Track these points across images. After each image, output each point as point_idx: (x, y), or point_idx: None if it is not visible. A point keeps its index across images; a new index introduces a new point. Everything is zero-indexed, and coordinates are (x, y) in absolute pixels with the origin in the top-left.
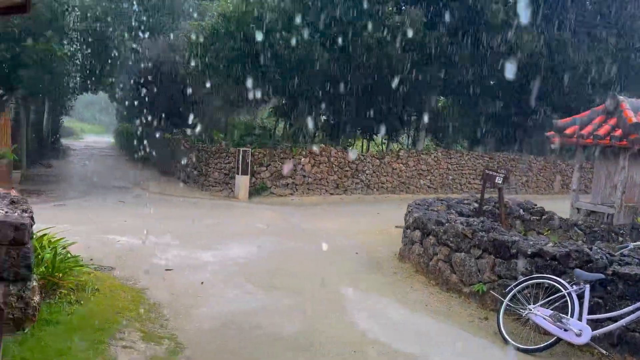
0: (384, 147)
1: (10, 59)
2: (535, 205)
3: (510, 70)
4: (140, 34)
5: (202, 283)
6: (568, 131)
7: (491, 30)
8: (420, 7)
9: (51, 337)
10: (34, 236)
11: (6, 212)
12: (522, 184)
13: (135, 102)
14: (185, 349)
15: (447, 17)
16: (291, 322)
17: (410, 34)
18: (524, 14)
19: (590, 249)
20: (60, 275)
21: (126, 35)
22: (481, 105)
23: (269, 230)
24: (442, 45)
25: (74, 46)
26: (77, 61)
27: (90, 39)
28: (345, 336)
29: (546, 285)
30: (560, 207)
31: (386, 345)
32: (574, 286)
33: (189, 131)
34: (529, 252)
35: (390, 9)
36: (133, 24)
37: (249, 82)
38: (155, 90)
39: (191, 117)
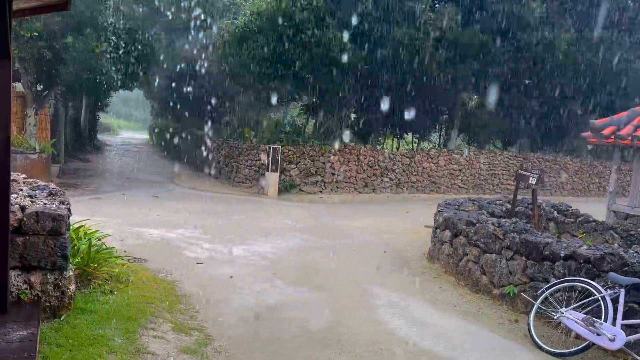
0: (415, 145)
1: (51, 56)
2: (570, 207)
3: (545, 69)
4: (175, 32)
5: (231, 277)
6: (605, 132)
7: (527, 28)
8: (454, 4)
9: (85, 325)
10: (71, 227)
11: (45, 204)
12: (557, 185)
13: (169, 99)
14: (214, 340)
15: (481, 14)
16: (318, 318)
17: (443, 31)
18: (560, 11)
19: (626, 252)
20: (95, 265)
21: (162, 33)
22: (516, 104)
23: (297, 227)
24: (476, 42)
25: (111, 44)
26: (114, 58)
27: (126, 37)
28: (371, 333)
29: (579, 288)
30: (596, 209)
31: (413, 344)
32: (608, 290)
33: (220, 128)
34: (562, 255)
35: (424, 6)
36: (168, 22)
37: (280, 80)
38: (188, 87)
39: (223, 114)
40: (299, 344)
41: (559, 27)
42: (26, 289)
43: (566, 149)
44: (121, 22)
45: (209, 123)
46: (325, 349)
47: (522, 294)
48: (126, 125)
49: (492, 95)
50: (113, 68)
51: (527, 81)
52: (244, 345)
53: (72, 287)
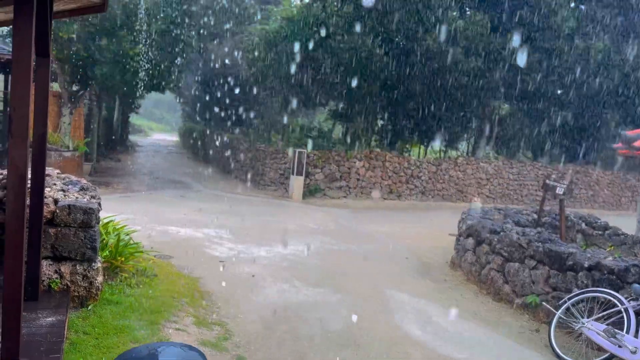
0: (442, 153)
1: (87, 57)
2: (599, 219)
3: (578, 79)
4: (207, 36)
5: (253, 276)
6: (638, 143)
7: (559, 36)
8: (485, 11)
9: (111, 315)
10: (101, 222)
11: (77, 197)
12: (588, 198)
13: (199, 102)
14: (233, 336)
15: (513, 22)
16: (337, 319)
17: (473, 38)
18: (594, 21)
19: None
20: (122, 259)
21: (194, 37)
22: (547, 114)
23: (320, 231)
24: (507, 50)
25: (145, 46)
26: (147, 61)
27: (159, 40)
28: (390, 336)
29: (602, 299)
30: (626, 223)
31: (431, 349)
32: (632, 302)
33: (248, 131)
34: (586, 265)
35: (454, 13)
36: (201, 26)
37: (308, 85)
38: (218, 91)
39: (251, 118)
40: (317, 343)
41: (592, 37)
42: (57, 278)
43: (598, 161)
44: (154, 25)
45: (237, 126)
46: (342, 350)
47: (544, 303)
48: (157, 127)
49: (523, 105)
50: (145, 70)
51: (559, 91)
52: (263, 341)
53: (100, 279)
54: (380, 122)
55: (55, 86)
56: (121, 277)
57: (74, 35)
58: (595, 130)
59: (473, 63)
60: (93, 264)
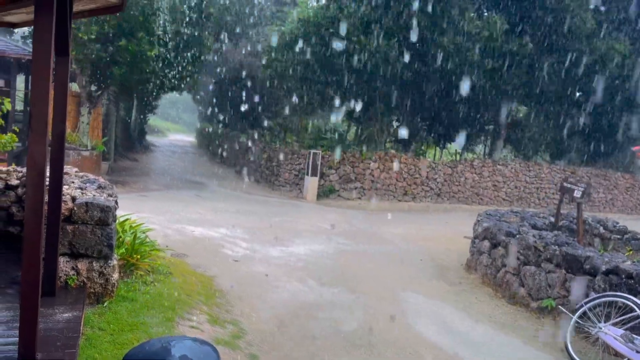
0: (458, 155)
1: (105, 58)
2: (617, 223)
3: (597, 81)
4: (224, 37)
5: (266, 275)
6: None
7: (578, 38)
8: (502, 13)
9: (126, 312)
10: (117, 220)
11: (94, 195)
12: (606, 201)
13: (215, 103)
14: (247, 334)
15: (530, 24)
16: (350, 319)
17: (490, 40)
18: (614, 23)
19: None
20: (138, 257)
21: (210, 38)
22: (565, 116)
23: (334, 231)
24: (524, 52)
25: (163, 47)
26: (165, 62)
27: (177, 41)
28: (403, 338)
29: (619, 304)
30: None
31: (444, 351)
32: None
33: (263, 132)
34: (604, 269)
35: (471, 14)
36: (218, 28)
37: (324, 87)
38: (234, 91)
39: (266, 118)
40: (330, 343)
41: (612, 39)
42: (73, 275)
43: (618, 165)
44: (172, 26)
45: (253, 127)
46: (355, 350)
47: (560, 307)
48: (174, 127)
49: (541, 107)
50: (163, 70)
51: (578, 93)
52: (276, 340)
53: (116, 276)
54: (395, 124)
55: (74, 86)
56: (137, 274)
57: (93, 36)
58: (614, 133)
59: (489, 64)
60: (109, 261)
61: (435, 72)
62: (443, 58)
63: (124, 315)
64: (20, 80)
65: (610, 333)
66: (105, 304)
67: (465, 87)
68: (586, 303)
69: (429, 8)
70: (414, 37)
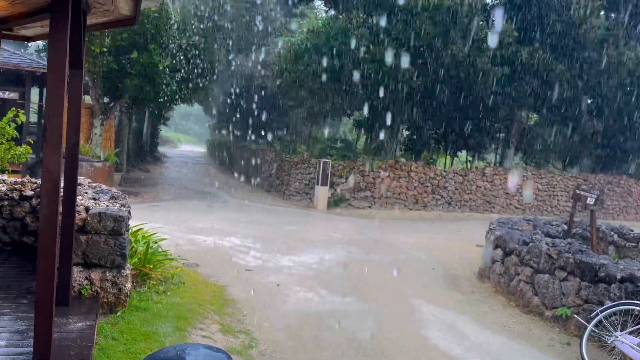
0: (469, 164)
1: (118, 70)
2: (632, 230)
3: (609, 87)
4: (234, 49)
5: (278, 285)
6: None
7: (589, 45)
8: (512, 20)
9: (139, 322)
10: (130, 230)
11: (107, 206)
12: (620, 209)
13: (226, 114)
14: (259, 344)
15: (540, 31)
16: (362, 328)
17: (500, 48)
18: (626, 29)
19: None
20: (151, 267)
21: (221, 50)
22: (577, 123)
23: (345, 240)
24: (535, 60)
25: (174, 59)
26: (176, 73)
27: (188, 53)
28: (417, 347)
29: (636, 312)
30: None
31: None
32: None
33: (273, 142)
34: (619, 277)
35: (481, 22)
36: (228, 40)
37: (333, 96)
38: (244, 102)
39: (277, 128)
40: (342, 352)
41: (624, 45)
42: (87, 284)
43: (631, 172)
44: (184, 38)
45: (263, 137)
46: (369, 359)
47: (575, 315)
48: (185, 138)
49: (552, 114)
50: (174, 82)
51: (589, 100)
52: (288, 349)
53: (129, 286)
54: (405, 132)
55: (87, 99)
56: (149, 284)
57: (106, 49)
58: (627, 140)
59: (500, 72)
60: (122, 271)
61: (445, 80)
62: (453, 66)
63: (136, 324)
64: (34, 93)
65: (627, 342)
66: (119, 313)
67: (475, 95)
68: (602, 311)
69: (438, 17)
70: (423, 45)
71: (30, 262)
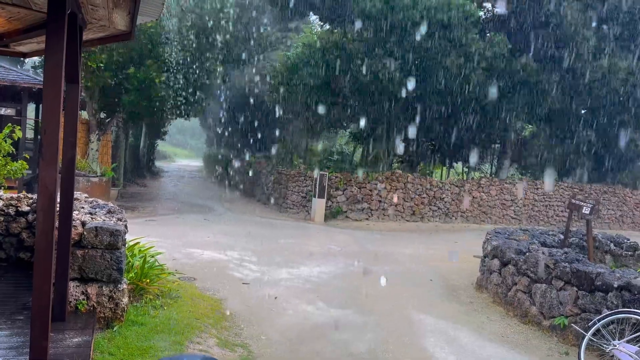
0: (465, 175)
1: (114, 85)
2: (628, 239)
3: (602, 98)
4: (230, 64)
5: (275, 298)
6: None
7: (582, 57)
8: (504, 33)
9: (136, 337)
10: (127, 244)
11: (104, 220)
12: (616, 218)
13: (223, 128)
14: (256, 358)
15: (533, 43)
16: (361, 340)
17: (493, 60)
18: (618, 40)
19: None
20: (148, 281)
21: (217, 65)
22: (572, 134)
23: (342, 252)
24: (529, 71)
25: (170, 74)
26: (173, 88)
27: (184, 68)
28: (415, 359)
29: (633, 320)
30: None
31: None
32: None
33: (270, 155)
34: (616, 285)
35: (474, 35)
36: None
37: (329, 109)
38: (240, 116)
39: (273, 141)
40: None
41: (616, 56)
42: (83, 299)
43: (626, 181)
44: (180, 53)
45: (260, 150)
46: None
47: (573, 325)
48: (182, 153)
49: (547, 124)
50: (171, 97)
51: (583, 110)
52: None
53: (125, 300)
54: (401, 144)
55: (83, 114)
56: (146, 298)
57: (103, 65)
58: (622, 149)
59: (494, 84)
60: (119, 286)
61: (440, 93)
62: (447, 79)
63: (133, 339)
64: (30, 109)
65: (625, 350)
66: (115, 328)
67: (470, 106)
68: (599, 320)
69: (432, 30)
70: (418, 58)
71: (26, 278)
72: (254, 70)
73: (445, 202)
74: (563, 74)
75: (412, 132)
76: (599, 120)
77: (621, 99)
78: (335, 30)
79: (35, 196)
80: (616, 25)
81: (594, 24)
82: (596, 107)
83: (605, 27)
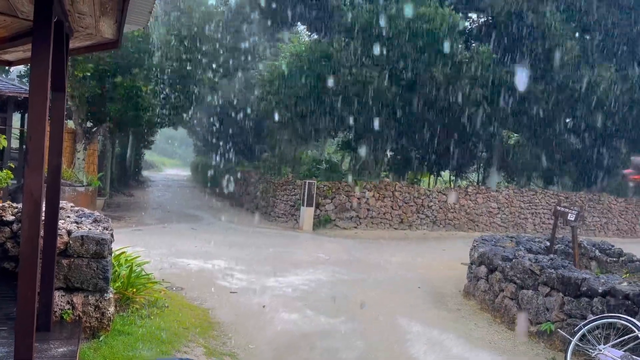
0: (452, 183)
1: (101, 94)
2: (613, 246)
3: (586, 107)
4: (218, 73)
5: (263, 306)
6: None
7: (565, 66)
8: (489, 43)
9: (122, 346)
10: (113, 254)
11: (90, 229)
12: (601, 225)
13: (211, 137)
14: None
15: (518, 53)
16: (349, 348)
17: (479, 69)
18: (600, 49)
19: None
20: (134, 290)
21: (205, 74)
22: (557, 142)
23: (331, 261)
24: (514, 80)
25: (158, 83)
26: (160, 97)
27: (172, 77)
28: None
29: (618, 325)
30: None
31: None
32: None
33: (258, 164)
34: (600, 291)
35: (460, 45)
36: (212, 64)
37: (317, 118)
38: (229, 125)
39: (261, 150)
40: None
41: (599, 66)
42: (69, 309)
43: (610, 188)
44: (167, 62)
45: (248, 159)
46: None
47: (559, 330)
48: (170, 162)
49: (532, 133)
50: (158, 106)
51: (567, 119)
52: None
53: (112, 310)
54: (389, 153)
55: (70, 123)
56: (133, 308)
57: (89, 73)
58: (606, 157)
59: (480, 93)
60: (105, 295)
61: (426, 102)
62: (434, 88)
63: (120, 349)
64: (16, 119)
65: (610, 355)
66: (101, 338)
67: (457, 115)
68: (585, 325)
69: (418, 40)
70: (404, 67)
71: (10, 288)
72: (242, 79)
73: (433, 210)
74: (548, 83)
75: (399, 140)
76: (584, 128)
77: (604, 107)
78: (323, 40)
79: (20, 206)
80: (599, 35)
81: (577, 34)
82: (580, 115)
83: (588, 37)
